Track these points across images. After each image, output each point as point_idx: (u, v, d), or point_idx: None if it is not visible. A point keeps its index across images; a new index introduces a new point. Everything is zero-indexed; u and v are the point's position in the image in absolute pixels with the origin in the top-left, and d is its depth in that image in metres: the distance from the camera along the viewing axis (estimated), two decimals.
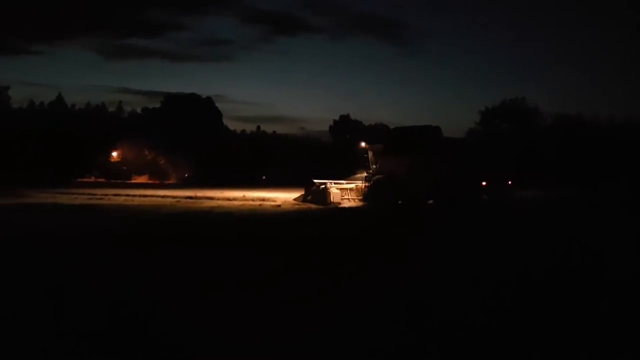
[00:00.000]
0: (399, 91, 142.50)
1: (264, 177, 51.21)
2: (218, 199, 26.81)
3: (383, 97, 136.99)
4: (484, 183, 22.92)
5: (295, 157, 55.05)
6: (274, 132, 77.15)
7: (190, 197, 27.22)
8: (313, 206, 22.93)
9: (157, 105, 66.22)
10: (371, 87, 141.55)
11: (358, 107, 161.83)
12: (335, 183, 25.04)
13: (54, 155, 48.48)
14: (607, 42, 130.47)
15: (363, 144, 27.62)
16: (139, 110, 70.62)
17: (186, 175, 57.35)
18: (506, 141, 50.85)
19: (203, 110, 63.36)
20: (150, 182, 56.36)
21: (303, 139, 70.55)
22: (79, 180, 51.32)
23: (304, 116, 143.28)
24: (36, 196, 27.05)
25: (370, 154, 25.34)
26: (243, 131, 76.62)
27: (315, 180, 25.07)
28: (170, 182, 55.98)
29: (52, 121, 55.05)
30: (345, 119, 73.40)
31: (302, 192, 25.47)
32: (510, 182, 24.72)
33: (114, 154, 61.19)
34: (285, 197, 26.90)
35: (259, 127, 79.09)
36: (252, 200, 26.25)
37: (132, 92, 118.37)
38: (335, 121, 74.23)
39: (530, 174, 41.79)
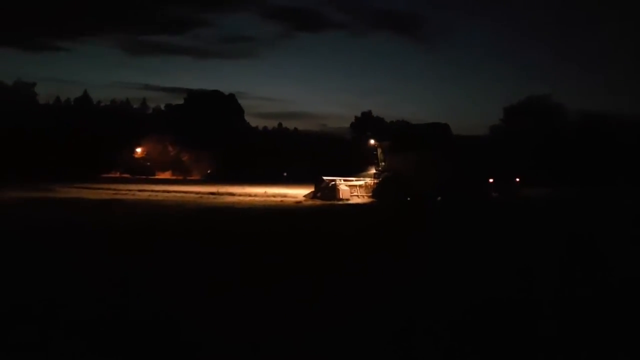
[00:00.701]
0: (422, 87, 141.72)
1: (285, 174, 51.45)
2: (240, 195, 27.12)
3: (405, 94, 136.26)
4: (490, 180, 23.16)
5: (316, 154, 55.18)
6: (296, 128, 77.22)
7: (213, 193, 27.57)
8: (328, 202, 23.10)
9: (180, 101, 66.90)
10: (393, 83, 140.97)
11: (380, 104, 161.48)
12: (344, 180, 25.36)
13: (80, 151, 49.37)
14: (637, 39, 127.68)
15: (372, 142, 27.67)
16: (162, 106, 71.39)
17: (208, 171, 57.88)
18: (525, 138, 50.35)
19: (225, 107, 63.78)
20: (173, 178, 57.03)
21: (324, 136, 70.61)
22: (104, 175, 52.17)
23: (325, 113, 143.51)
24: (62, 191, 27.62)
25: (379, 151, 25.60)
26: (264, 128, 76.89)
27: (324, 178, 25.38)
28: (193, 178, 56.55)
29: (77, 117, 55.99)
30: (366, 115, 73.17)
31: (312, 189, 25.72)
32: (517, 180, 24.73)
33: (138, 150, 62.02)
34: (305, 193, 27.05)
35: (280, 124, 79.15)
36: (274, 196, 26.51)
37: (155, 88, 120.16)
38: (356, 118, 74.05)
39: (548, 171, 41.67)
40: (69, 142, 49.08)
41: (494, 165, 24.00)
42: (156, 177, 57.91)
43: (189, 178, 56.03)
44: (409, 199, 23.13)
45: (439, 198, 22.98)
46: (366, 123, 70.93)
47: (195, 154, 59.19)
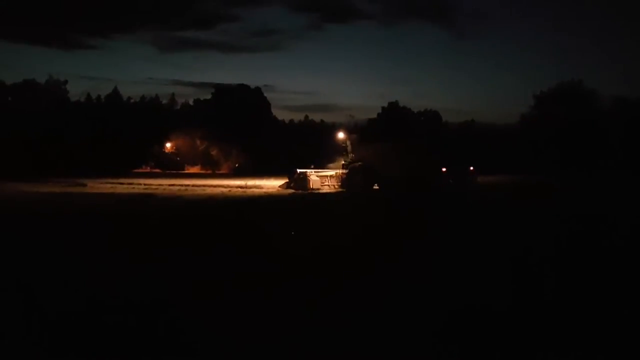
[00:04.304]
0: (451, 76, 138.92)
1: (312, 166, 51.44)
2: (267, 188, 27.43)
3: (435, 83, 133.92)
4: (444, 169, 25.23)
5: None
6: (322, 120, 76.89)
7: (241, 187, 27.86)
8: (299, 192, 24.57)
9: (208, 96, 67.41)
10: (422, 73, 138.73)
11: (409, 94, 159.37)
12: (315, 171, 27.14)
13: (111, 146, 50.25)
14: None
15: (341, 134, 29.29)
16: (190, 101, 71.99)
17: (237, 165, 58.28)
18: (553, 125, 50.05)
19: (252, 100, 64.02)
20: (202, 172, 57.70)
21: (351, 127, 70.32)
22: (135, 170, 53.08)
23: (353, 104, 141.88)
24: (94, 186, 28.21)
25: (348, 143, 27.57)
26: (291, 121, 76.78)
27: (297, 169, 27.05)
28: (221, 171, 57.05)
29: (108, 114, 57.00)
30: (393, 106, 72.49)
31: (286, 180, 27.25)
32: (472, 169, 26.80)
33: (168, 145, 62.82)
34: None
35: (306, 117, 78.98)
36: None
37: (185, 84, 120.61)
38: (383, 108, 73.43)
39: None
40: (99, 138, 49.99)
41: (450, 155, 26.04)
42: (186, 171, 58.69)
43: (217, 172, 56.58)
44: (375, 187, 25.22)
45: (403, 186, 24.53)
46: (392, 113, 70.32)
47: (223, 147, 59.68)
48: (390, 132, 26.39)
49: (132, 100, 68.31)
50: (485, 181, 28.85)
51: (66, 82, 60.93)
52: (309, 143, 58.84)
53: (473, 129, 64.22)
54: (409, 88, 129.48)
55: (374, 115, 74.40)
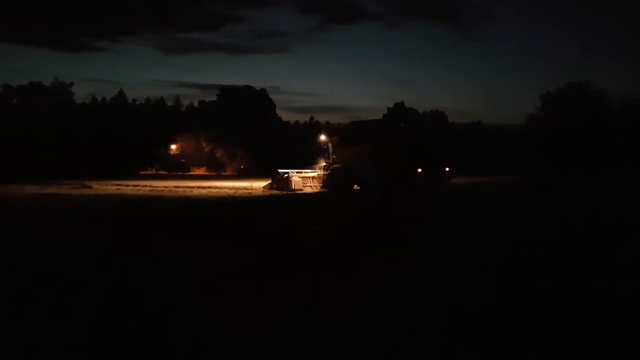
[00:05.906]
0: (458, 77, 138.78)
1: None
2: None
3: (441, 84, 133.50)
4: (419, 170, 25.51)
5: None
6: (327, 122, 76.77)
7: (246, 188, 27.82)
8: (282, 192, 25.17)
9: (213, 98, 67.27)
10: (429, 73, 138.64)
11: (415, 95, 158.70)
12: (297, 172, 27.70)
13: (116, 148, 50.13)
14: None
15: (323, 137, 29.91)
16: (196, 103, 71.90)
17: (242, 166, 58.11)
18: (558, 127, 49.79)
19: (257, 102, 63.83)
20: (208, 173, 57.57)
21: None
22: (141, 172, 52.98)
23: (360, 105, 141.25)
24: (101, 188, 28.08)
25: (329, 145, 28.19)
26: (296, 122, 76.69)
27: (279, 170, 27.65)
28: (227, 173, 56.89)
29: (114, 116, 56.93)
30: (399, 107, 72.25)
31: (269, 181, 27.85)
32: (447, 169, 27.26)
33: (173, 146, 62.76)
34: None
35: (312, 118, 78.86)
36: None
37: (191, 86, 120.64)
38: (388, 109, 73.18)
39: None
40: (104, 141, 49.88)
41: (426, 156, 26.31)
42: (191, 173, 58.60)
43: (223, 174, 56.43)
44: (356, 187, 25.90)
45: (380, 187, 24.86)
46: (398, 114, 69.97)
47: (228, 149, 59.55)
48: (372, 134, 26.65)
49: (137, 102, 68.47)
50: (473, 181, 29.30)
51: (71, 84, 61.00)
52: (314, 145, 58.82)
53: (480, 129, 63.96)
54: (415, 89, 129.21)
55: (380, 117, 74.28)
